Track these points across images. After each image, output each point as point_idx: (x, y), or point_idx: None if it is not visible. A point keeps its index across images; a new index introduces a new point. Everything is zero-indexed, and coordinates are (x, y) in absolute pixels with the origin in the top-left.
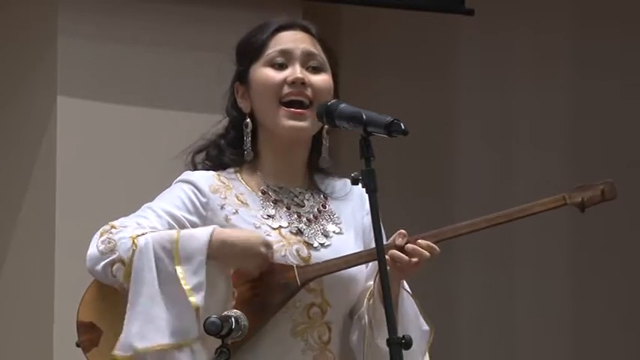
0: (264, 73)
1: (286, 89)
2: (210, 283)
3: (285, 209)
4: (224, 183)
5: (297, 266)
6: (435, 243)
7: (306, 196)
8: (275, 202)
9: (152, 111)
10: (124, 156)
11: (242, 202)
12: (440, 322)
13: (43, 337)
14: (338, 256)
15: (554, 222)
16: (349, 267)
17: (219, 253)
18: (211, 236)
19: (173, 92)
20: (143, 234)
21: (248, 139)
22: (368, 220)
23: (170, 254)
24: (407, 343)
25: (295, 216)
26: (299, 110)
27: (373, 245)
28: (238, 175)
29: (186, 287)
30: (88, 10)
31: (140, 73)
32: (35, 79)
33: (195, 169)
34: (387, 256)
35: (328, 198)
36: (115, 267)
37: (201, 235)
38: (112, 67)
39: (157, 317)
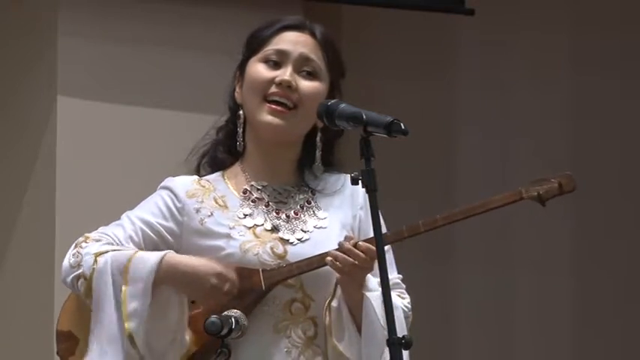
0: (257, 68)
1: (273, 88)
2: (160, 307)
3: (263, 207)
4: (204, 187)
5: (262, 270)
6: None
7: (292, 193)
8: (254, 200)
9: (152, 111)
10: (123, 156)
11: (219, 205)
12: (439, 322)
13: (43, 337)
14: (317, 250)
15: (556, 222)
16: (312, 269)
17: (168, 279)
18: (161, 261)
19: (173, 92)
20: (106, 252)
21: (240, 130)
22: (361, 216)
23: (123, 274)
24: (407, 343)
25: (274, 213)
26: (279, 108)
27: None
28: (224, 176)
29: (124, 311)
30: (88, 10)
31: (140, 73)
32: (35, 79)
33: (198, 172)
34: (328, 258)
35: (317, 194)
36: (79, 282)
37: (151, 259)
38: (112, 67)
39: (111, 341)
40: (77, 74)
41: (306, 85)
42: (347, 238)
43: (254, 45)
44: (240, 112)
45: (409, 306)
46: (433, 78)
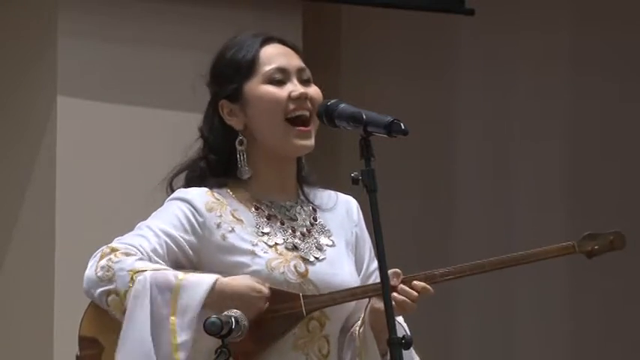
0: (267, 90)
1: (291, 105)
2: (199, 330)
3: (279, 224)
4: (218, 200)
5: (303, 296)
6: (428, 283)
7: (297, 210)
8: (268, 217)
9: (152, 111)
10: (123, 156)
11: (237, 219)
12: (439, 322)
13: (43, 337)
14: (334, 269)
15: (555, 222)
16: (355, 299)
17: (214, 305)
18: (211, 291)
19: (173, 92)
20: (143, 270)
21: (243, 157)
22: (357, 233)
23: (167, 302)
24: (407, 343)
25: (290, 231)
26: (308, 128)
27: (364, 257)
28: (229, 191)
29: (174, 342)
30: (88, 10)
31: (140, 73)
32: (35, 79)
33: (172, 192)
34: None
35: (317, 210)
36: (110, 298)
37: (201, 287)
38: (112, 67)
39: None
40: (77, 74)
41: (313, 91)
42: (395, 275)
43: (242, 69)
44: (242, 137)
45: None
46: (433, 78)
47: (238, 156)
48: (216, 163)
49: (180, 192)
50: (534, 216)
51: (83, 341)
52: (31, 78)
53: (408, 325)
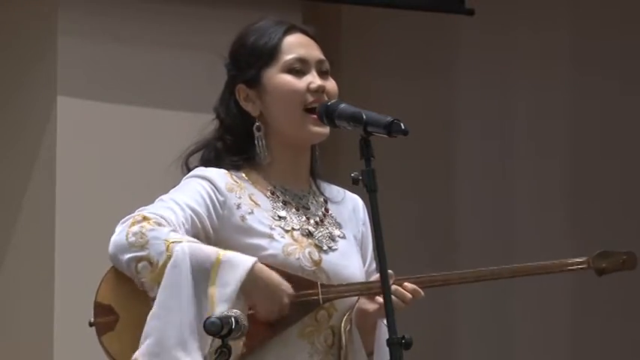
0: (287, 80)
1: (309, 97)
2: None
3: (294, 210)
4: (237, 182)
5: (320, 285)
6: (421, 287)
7: (310, 199)
8: (284, 203)
9: (152, 111)
10: (123, 156)
11: (255, 203)
12: (439, 322)
13: (43, 337)
14: (345, 260)
15: (555, 222)
16: (370, 294)
17: (249, 288)
18: (251, 270)
19: (173, 92)
20: (179, 241)
21: (262, 143)
22: (363, 232)
23: (207, 274)
24: (407, 343)
25: (304, 218)
26: None
27: (367, 256)
28: (245, 175)
29: (212, 311)
30: (88, 10)
31: (140, 73)
32: (35, 79)
33: (189, 171)
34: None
35: (328, 202)
36: (140, 264)
37: (242, 264)
38: (112, 67)
39: (170, 337)
40: (77, 74)
41: (330, 85)
42: (389, 277)
43: (263, 56)
44: (259, 123)
45: None
46: (433, 78)
47: (257, 142)
48: (233, 144)
49: (200, 170)
50: (534, 216)
51: (98, 308)
52: (31, 78)
53: (408, 326)
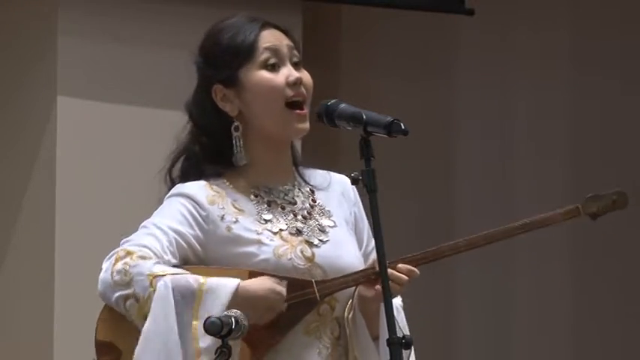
0: (265, 76)
1: (289, 91)
2: None
3: (279, 209)
4: (217, 192)
5: (315, 282)
6: (415, 266)
7: (295, 192)
8: (269, 203)
9: (152, 111)
10: (123, 156)
11: (238, 210)
12: (439, 322)
13: (43, 337)
14: (339, 250)
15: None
16: (366, 281)
17: (237, 309)
18: (234, 295)
19: (173, 92)
20: (163, 274)
21: (240, 143)
22: (356, 213)
23: (190, 306)
24: (407, 343)
25: (291, 215)
26: (305, 111)
27: (364, 236)
28: (226, 181)
29: (196, 347)
30: (88, 10)
31: (140, 73)
32: (35, 79)
33: (172, 184)
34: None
35: (314, 191)
36: (128, 303)
37: (224, 291)
38: (112, 67)
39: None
40: (77, 74)
41: (305, 76)
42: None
43: (240, 54)
44: (237, 123)
45: (401, 304)
46: (433, 78)
47: (234, 142)
48: (211, 147)
49: (179, 187)
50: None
51: (100, 346)
52: (31, 78)
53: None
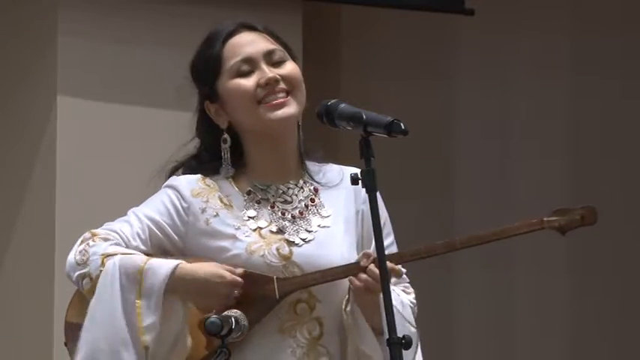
0: (235, 84)
1: (260, 92)
2: (164, 316)
3: (268, 208)
4: (209, 186)
5: (276, 279)
6: (401, 263)
7: (296, 191)
8: (259, 201)
9: (152, 111)
10: (123, 156)
11: (225, 204)
12: (438, 322)
13: (43, 337)
14: (321, 250)
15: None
16: (326, 282)
17: (177, 290)
18: (172, 274)
19: (173, 92)
20: (114, 254)
21: (227, 155)
22: (364, 211)
23: (134, 285)
24: (407, 343)
25: (279, 214)
26: (279, 101)
27: (366, 236)
28: (230, 179)
29: (140, 325)
30: (88, 10)
31: (140, 73)
32: (35, 79)
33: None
34: (350, 278)
35: (319, 189)
36: (84, 281)
37: (163, 270)
38: (112, 67)
39: (102, 350)
40: (77, 74)
41: (284, 70)
42: (365, 255)
43: (210, 69)
44: (225, 136)
45: (414, 301)
46: (433, 78)
47: (222, 154)
48: (209, 160)
49: (171, 179)
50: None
51: (68, 327)
52: (31, 78)
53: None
